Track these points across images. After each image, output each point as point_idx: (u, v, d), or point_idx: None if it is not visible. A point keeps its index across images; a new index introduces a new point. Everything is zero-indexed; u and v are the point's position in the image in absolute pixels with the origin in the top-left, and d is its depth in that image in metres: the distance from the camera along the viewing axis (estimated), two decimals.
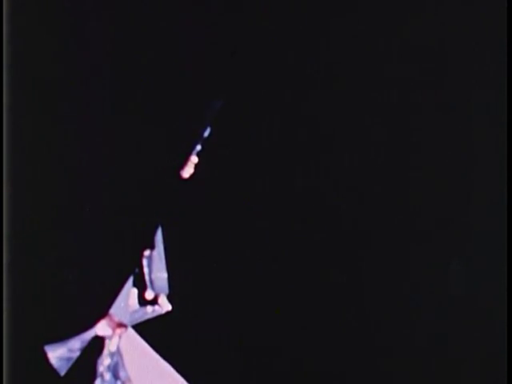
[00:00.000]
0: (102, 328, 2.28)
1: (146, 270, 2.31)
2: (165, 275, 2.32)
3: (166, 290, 2.32)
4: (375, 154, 2.39)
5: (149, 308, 2.31)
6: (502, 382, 2.23)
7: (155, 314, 2.32)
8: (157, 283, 2.32)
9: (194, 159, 2.33)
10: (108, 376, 2.27)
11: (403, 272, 2.36)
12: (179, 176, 2.32)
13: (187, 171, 2.33)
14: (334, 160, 2.39)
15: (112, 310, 2.28)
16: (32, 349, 2.26)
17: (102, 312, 2.28)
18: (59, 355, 2.25)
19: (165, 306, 2.32)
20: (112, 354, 2.28)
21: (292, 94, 2.39)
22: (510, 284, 2.25)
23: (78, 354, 2.26)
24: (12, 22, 2.33)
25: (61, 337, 2.25)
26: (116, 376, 2.28)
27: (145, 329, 2.31)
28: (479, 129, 2.37)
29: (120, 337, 2.29)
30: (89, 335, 2.26)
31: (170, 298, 2.32)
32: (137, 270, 2.30)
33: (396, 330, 2.34)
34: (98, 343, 2.28)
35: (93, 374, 2.26)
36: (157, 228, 2.32)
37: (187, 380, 2.29)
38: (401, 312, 2.35)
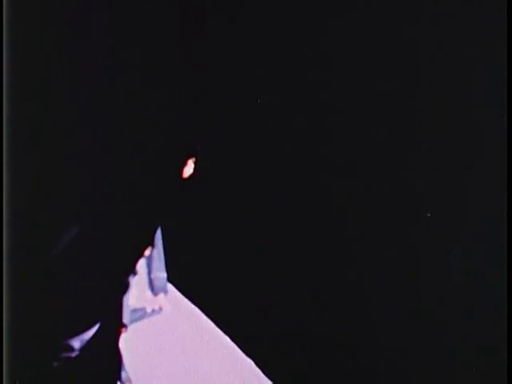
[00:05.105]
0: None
1: (145, 269, 2.31)
2: (164, 275, 2.32)
3: (166, 290, 2.33)
4: (375, 149, 2.40)
5: (148, 308, 2.32)
6: (503, 376, 2.24)
7: (155, 314, 2.32)
8: (156, 283, 2.32)
9: (194, 159, 2.33)
10: None
11: (403, 264, 2.37)
12: (179, 176, 2.33)
13: (187, 171, 2.33)
14: (334, 154, 2.40)
15: None
16: (32, 349, 2.26)
17: (102, 312, 2.29)
18: (59, 355, 2.25)
19: (164, 305, 2.33)
20: None
21: (292, 94, 2.40)
22: (509, 277, 2.26)
23: (77, 353, 2.26)
24: (11, 21, 2.33)
25: (61, 337, 2.25)
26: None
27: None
28: (480, 125, 2.39)
29: (120, 337, 2.29)
30: (89, 335, 2.26)
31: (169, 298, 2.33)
32: (136, 270, 2.31)
33: (395, 324, 2.36)
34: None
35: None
36: (156, 228, 2.32)
37: (187, 380, 2.29)
38: (400, 306, 2.36)
